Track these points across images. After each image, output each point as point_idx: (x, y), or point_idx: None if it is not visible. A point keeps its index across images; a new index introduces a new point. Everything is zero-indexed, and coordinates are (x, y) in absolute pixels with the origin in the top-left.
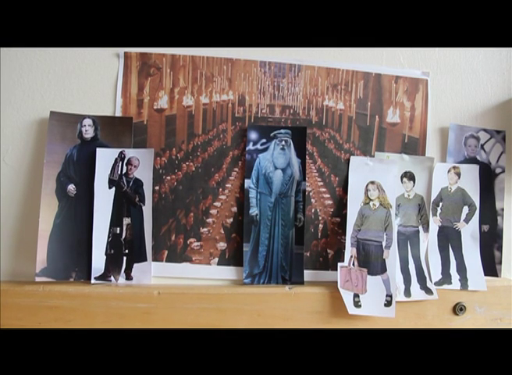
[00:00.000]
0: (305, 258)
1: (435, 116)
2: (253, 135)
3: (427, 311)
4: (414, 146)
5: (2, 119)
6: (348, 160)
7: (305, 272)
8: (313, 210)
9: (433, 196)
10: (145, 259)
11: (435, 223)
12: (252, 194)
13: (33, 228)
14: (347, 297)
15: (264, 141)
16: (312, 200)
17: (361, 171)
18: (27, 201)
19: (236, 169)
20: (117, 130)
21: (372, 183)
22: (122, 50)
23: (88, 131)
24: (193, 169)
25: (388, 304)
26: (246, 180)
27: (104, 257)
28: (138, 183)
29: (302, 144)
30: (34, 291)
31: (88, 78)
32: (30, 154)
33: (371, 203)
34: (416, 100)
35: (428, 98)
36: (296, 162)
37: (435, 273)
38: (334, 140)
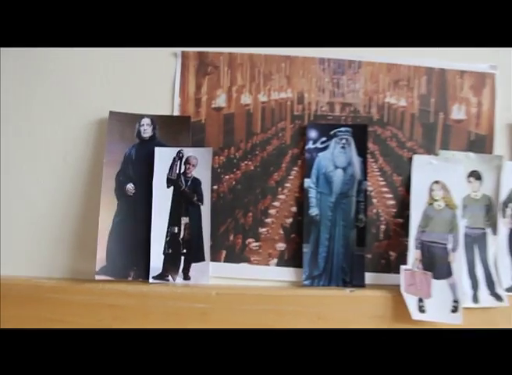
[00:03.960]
0: (366, 260)
1: (504, 112)
2: (312, 133)
3: (497, 319)
4: (480, 144)
5: (63, 120)
6: (411, 159)
7: (366, 274)
8: (374, 211)
9: (502, 197)
10: (203, 259)
11: (504, 226)
12: (312, 193)
13: (93, 227)
14: (411, 301)
15: (324, 139)
16: (374, 200)
17: (425, 170)
18: (87, 201)
19: (296, 169)
20: (175, 129)
21: (437, 182)
22: (179, 49)
23: (146, 130)
24: (252, 168)
25: (455, 310)
26: (305, 180)
27: (162, 256)
28: (196, 183)
29: (363, 142)
30: (94, 288)
31: (146, 78)
32: (90, 153)
33: (435, 204)
34: (483, 95)
35: (495, 93)
36: (357, 161)
37: (506, 279)
38: (396, 138)
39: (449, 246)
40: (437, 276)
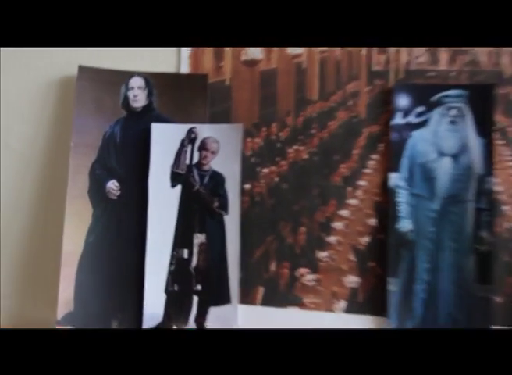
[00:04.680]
0: (494, 306)
1: None
2: (402, 101)
3: None
4: None
5: (4, 82)
6: None
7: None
8: (507, 225)
9: None
10: (228, 301)
11: None
12: (402, 197)
13: (53, 251)
14: None
15: (421, 109)
16: (505, 207)
17: None
18: (45, 209)
19: (375, 157)
20: (183, 95)
21: None
22: None
23: (138, 97)
24: (306, 156)
25: None
26: (391, 175)
27: (164, 296)
28: (218, 180)
29: (486, 113)
30: None
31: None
32: (47, 133)
33: None
34: None
35: None
36: (476, 144)
37: None
38: None
39: None
40: None
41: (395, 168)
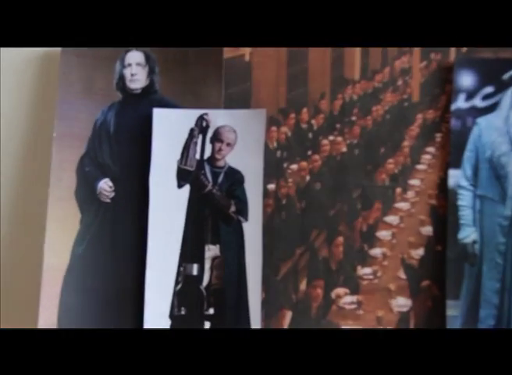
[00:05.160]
0: None
1: None
2: (465, 79)
3: None
4: None
5: None
6: None
7: None
8: None
9: None
10: (247, 326)
11: None
12: (465, 199)
13: (32, 264)
14: None
15: (489, 90)
16: None
17: None
18: (21, 214)
19: (431, 150)
20: (193, 73)
21: None
22: None
23: (137, 76)
24: (344, 149)
25: None
26: (451, 172)
27: (168, 322)
28: (235, 179)
29: None
30: None
31: None
32: (25, 121)
33: None
34: None
35: None
36: None
37: None
38: None
39: None
40: None
41: (456, 163)
